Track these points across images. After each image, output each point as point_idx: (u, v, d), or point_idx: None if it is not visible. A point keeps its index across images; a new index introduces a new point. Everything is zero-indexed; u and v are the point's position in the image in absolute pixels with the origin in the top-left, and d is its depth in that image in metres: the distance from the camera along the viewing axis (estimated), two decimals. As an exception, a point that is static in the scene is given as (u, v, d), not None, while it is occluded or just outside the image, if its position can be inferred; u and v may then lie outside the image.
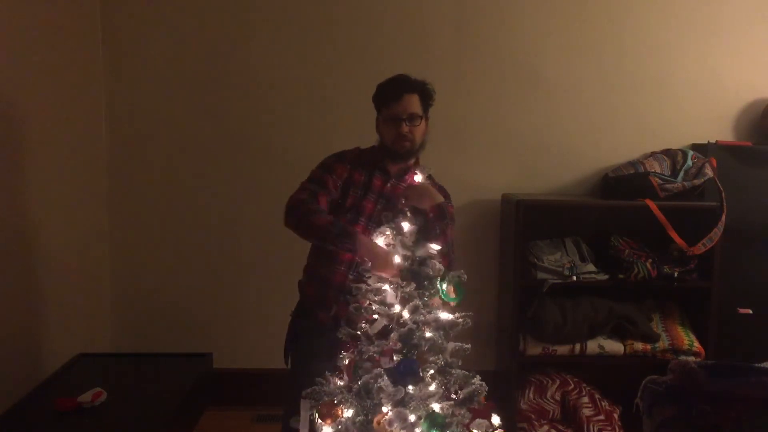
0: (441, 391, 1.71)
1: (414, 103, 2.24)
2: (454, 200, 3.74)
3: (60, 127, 2.93)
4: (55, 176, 2.88)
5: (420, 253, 1.86)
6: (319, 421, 1.73)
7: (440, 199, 2.08)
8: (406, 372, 1.70)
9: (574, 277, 3.10)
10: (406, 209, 2.01)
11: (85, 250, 3.19)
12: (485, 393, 1.73)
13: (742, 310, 3.25)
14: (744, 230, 3.22)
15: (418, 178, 2.12)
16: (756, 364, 2.39)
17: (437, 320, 1.78)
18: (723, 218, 3.08)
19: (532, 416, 3.11)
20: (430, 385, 1.70)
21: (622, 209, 3.27)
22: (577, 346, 3.12)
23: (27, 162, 2.67)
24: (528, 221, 3.12)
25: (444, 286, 1.80)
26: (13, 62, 2.57)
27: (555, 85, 3.40)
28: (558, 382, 3.20)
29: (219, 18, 3.33)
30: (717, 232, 3.07)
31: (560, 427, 3.10)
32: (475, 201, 3.44)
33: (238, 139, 3.39)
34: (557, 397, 3.17)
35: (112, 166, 3.37)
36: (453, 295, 1.82)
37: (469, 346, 1.78)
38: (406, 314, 1.76)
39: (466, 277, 1.82)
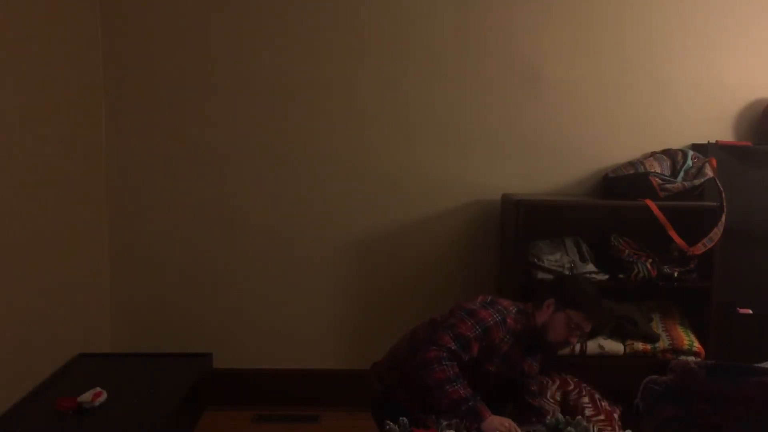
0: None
1: None
2: (455, 200, 3.73)
3: (60, 126, 2.93)
4: (55, 176, 2.88)
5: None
6: None
7: None
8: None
9: (574, 277, 3.10)
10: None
11: (85, 250, 3.19)
12: None
13: (742, 310, 3.24)
14: (744, 230, 3.22)
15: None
16: (756, 364, 2.39)
17: None
18: (723, 218, 3.07)
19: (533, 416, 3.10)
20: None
21: (622, 209, 3.27)
22: (577, 346, 3.12)
23: (26, 161, 2.67)
24: (528, 221, 3.12)
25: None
26: (12, 62, 2.57)
27: (555, 84, 3.40)
28: (558, 382, 3.19)
29: (220, 18, 3.32)
30: (717, 232, 3.07)
31: (560, 427, 3.09)
32: (475, 201, 3.44)
33: (239, 138, 3.38)
34: (557, 397, 3.16)
35: (112, 166, 3.37)
36: None
37: None
38: None
39: None
